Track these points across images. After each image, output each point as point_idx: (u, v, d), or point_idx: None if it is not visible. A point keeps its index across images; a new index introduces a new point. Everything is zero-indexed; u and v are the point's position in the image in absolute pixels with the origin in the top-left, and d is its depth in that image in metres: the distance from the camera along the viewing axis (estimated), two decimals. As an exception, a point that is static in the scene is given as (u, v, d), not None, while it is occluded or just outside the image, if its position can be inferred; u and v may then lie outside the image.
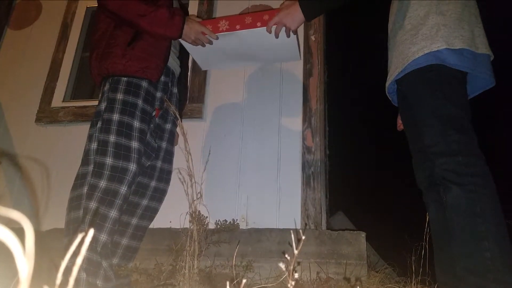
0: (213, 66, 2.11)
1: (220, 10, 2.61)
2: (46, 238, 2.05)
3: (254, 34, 1.61)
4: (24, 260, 0.33)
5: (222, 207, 2.13)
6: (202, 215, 1.66)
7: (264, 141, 2.25)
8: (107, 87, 1.62)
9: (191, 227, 1.58)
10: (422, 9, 1.33)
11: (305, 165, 2.14)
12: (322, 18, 2.48)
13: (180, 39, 1.67)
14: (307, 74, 2.32)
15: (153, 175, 1.75)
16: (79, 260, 0.39)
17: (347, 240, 1.87)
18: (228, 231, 1.87)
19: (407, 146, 1.43)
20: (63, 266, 0.38)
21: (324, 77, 2.41)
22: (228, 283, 0.58)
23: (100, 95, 1.67)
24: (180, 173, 1.60)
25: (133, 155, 1.53)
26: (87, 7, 2.90)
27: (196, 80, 2.44)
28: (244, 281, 0.58)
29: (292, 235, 0.69)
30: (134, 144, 1.55)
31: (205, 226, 1.69)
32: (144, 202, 1.72)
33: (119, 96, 1.57)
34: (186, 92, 2.13)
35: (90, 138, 1.59)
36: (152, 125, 1.71)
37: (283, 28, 1.55)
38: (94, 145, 1.56)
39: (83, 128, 2.24)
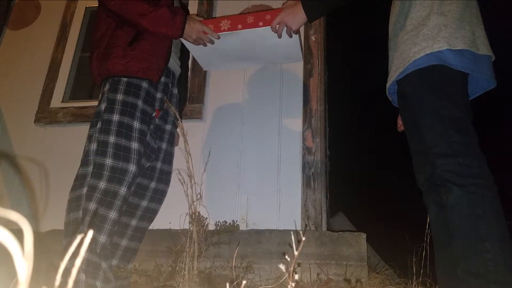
0: (215, 67, 2.11)
1: (220, 10, 2.61)
2: (45, 240, 2.05)
3: (256, 34, 1.60)
4: (23, 261, 0.32)
5: (222, 208, 2.13)
6: (202, 216, 1.66)
7: (264, 142, 2.25)
8: (107, 87, 1.61)
9: (191, 228, 1.58)
10: (424, 10, 1.33)
11: (305, 166, 2.13)
12: (323, 18, 2.48)
13: (181, 39, 1.67)
14: (308, 74, 2.32)
15: (153, 176, 1.74)
16: (78, 262, 0.38)
17: (347, 241, 1.86)
18: (228, 232, 1.87)
19: (408, 147, 1.42)
20: (62, 268, 0.37)
21: (325, 78, 2.41)
22: (228, 284, 0.57)
23: (100, 96, 1.66)
24: (180, 174, 1.59)
25: (133, 156, 1.53)
26: (86, 7, 2.90)
27: (196, 81, 2.44)
28: (244, 282, 0.57)
29: (292, 236, 0.69)
30: (134, 145, 1.54)
31: (204, 227, 1.68)
32: (144, 203, 1.72)
33: (119, 96, 1.57)
34: (186, 92, 2.12)
35: (89, 138, 1.58)
36: (152, 126, 1.71)
37: (285, 28, 1.54)
38: (93, 146, 1.55)
39: (82, 129, 2.24)
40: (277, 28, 1.55)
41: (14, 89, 2.75)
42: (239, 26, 1.60)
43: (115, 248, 1.61)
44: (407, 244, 1.88)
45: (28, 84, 2.73)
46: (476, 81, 1.35)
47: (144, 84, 1.62)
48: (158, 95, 1.72)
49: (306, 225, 2.00)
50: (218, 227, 1.85)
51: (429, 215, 1.38)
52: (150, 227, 1.80)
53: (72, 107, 2.55)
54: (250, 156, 2.24)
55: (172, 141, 1.86)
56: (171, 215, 1.91)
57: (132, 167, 1.52)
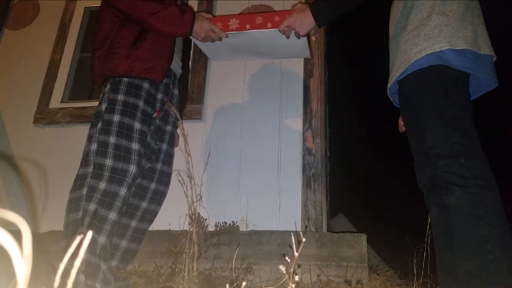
0: (222, 59, 2.11)
1: (220, 10, 2.60)
2: (44, 240, 2.04)
3: (264, 34, 1.61)
4: (22, 262, 0.32)
5: (222, 209, 2.12)
6: (202, 217, 1.65)
7: (264, 143, 2.24)
8: (108, 87, 1.61)
9: (191, 229, 1.57)
10: (425, 10, 1.33)
11: (305, 167, 2.13)
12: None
13: (190, 37, 1.68)
14: (308, 74, 2.32)
15: (153, 177, 1.74)
16: (77, 263, 0.38)
17: (348, 243, 1.86)
18: (228, 233, 1.86)
19: (409, 148, 1.42)
20: (61, 269, 0.37)
21: (325, 78, 2.40)
22: (228, 285, 0.57)
23: (100, 96, 1.66)
24: (180, 175, 1.59)
25: (133, 156, 1.52)
26: (85, 7, 2.89)
27: (196, 81, 2.43)
28: (244, 283, 0.57)
29: (293, 237, 0.68)
30: (135, 146, 1.53)
31: (204, 228, 1.68)
32: (144, 204, 1.71)
33: (120, 97, 1.56)
34: (187, 93, 2.12)
35: (90, 139, 1.58)
36: (152, 127, 1.70)
37: (293, 31, 1.55)
38: (94, 146, 1.54)
39: (82, 129, 2.23)
40: (285, 31, 1.55)
41: (13, 89, 2.74)
42: (248, 26, 1.60)
43: (114, 249, 1.60)
44: (408, 245, 1.87)
45: (27, 85, 2.72)
46: (478, 81, 1.35)
47: (145, 85, 1.62)
48: (159, 95, 1.71)
49: (306, 226, 2.00)
50: (218, 228, 1.84)
51: (430, 216, 1.38)
52: (150, 228, 1.79)
53: (71, 107, 2.54)
54: (250, 156, 2.23)
55: (172, 142, 1.86)
56: (171, 216, 1.91)
57: (132, 168, 1.51)
